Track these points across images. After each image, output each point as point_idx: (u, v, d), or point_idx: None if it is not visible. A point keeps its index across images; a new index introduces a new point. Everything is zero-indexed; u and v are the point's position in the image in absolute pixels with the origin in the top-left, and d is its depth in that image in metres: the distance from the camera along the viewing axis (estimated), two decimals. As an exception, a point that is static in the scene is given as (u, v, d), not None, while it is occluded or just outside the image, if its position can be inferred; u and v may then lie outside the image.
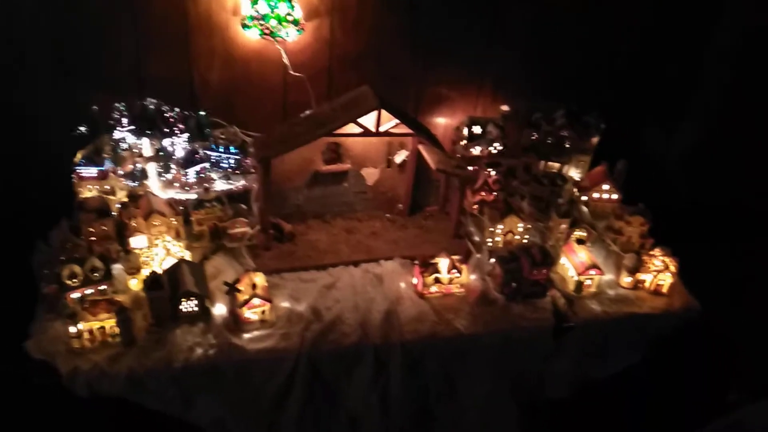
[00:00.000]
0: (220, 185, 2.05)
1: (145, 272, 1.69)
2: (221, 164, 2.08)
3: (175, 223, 1.83)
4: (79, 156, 1.88)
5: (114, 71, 2.04)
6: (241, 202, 2.02)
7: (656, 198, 2.17)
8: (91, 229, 1.71)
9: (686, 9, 2.38)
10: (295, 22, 2.04)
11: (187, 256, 1.77)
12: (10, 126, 2.01)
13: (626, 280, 1.96)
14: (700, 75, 2.53)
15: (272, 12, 2.00)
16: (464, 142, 2.31)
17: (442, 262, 1.81)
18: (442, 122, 2.49)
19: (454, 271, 1.82)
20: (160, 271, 1.64)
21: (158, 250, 1.72)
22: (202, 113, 2.10)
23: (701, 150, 2.59)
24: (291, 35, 2.06)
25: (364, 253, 1.96)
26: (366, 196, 2.12)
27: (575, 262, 1.91)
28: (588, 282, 1.90)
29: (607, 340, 1.90)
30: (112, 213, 1.77)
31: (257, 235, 1.92)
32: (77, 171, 1.84)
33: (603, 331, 1.88)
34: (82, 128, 1.88)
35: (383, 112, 1.82)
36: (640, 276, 1.96)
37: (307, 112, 2.21)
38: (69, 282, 1.56)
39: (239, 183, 2.07)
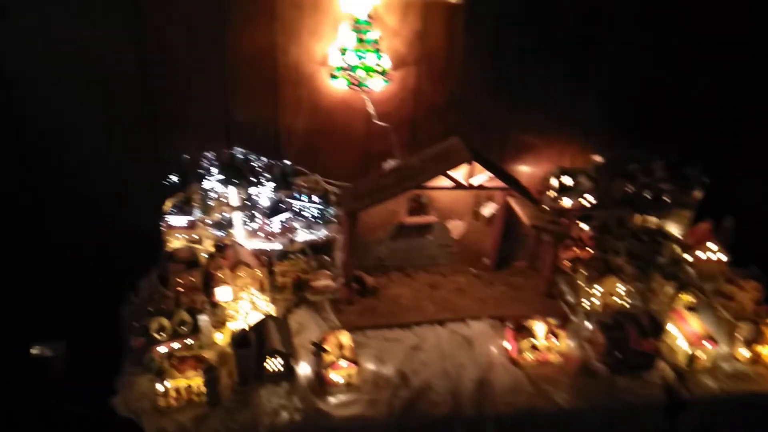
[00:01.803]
0: (301, 235, 2.01)
1: (230, 326, 1.65)
2: (303, 213, 2.05)
3: (260, 274, 1.80)
4: (168, 204, 1.90)
5: (202, 119, 2.07)
6: (322, 253, 1.97)
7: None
8: (179, 280, 1.70)
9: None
10: (383, 72, 2.02)
11: (272, 310, 1.72)
12: (99, 174, 2.06)
13: (743, 353, 1.76)
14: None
15: (360, 63, 1.99)
16: (553, 193, 2.19)
17: (538, 326, 1.68)
18: (526, 171, 2.39)
19: (552, 336, 1.68)
20: (246, 327, 1.60)
21: (244, 304, 1.68)
22: (287, 162, 2.09)
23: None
24: (377, 85, 2.04)
25: (450, 311, 1.85)
26: (451, 249, 2.03)
27: (686, 332, 1.73)
28: (701, 355, 1.72)
29: (724, 421, 1.69)
30: (200, 264, 1.76)
31: (340, 289, 1.86)
32: (166, 220, 1.85)
33: (720, 411, 1.68)
34: (173, 177, 1.90)
35: (475, 165, 1.74)
36: (758, 348, 1.75)
37: (391, 162, 2.17)
38: (157, 335, 1.53)
39: (321, 233, 2.03)
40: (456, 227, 2.00)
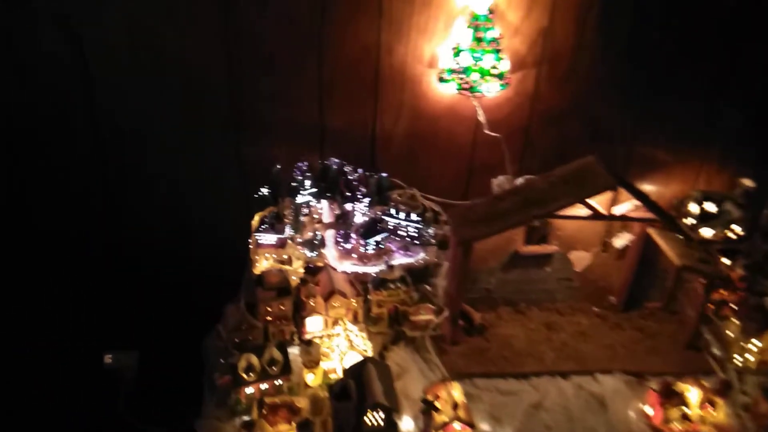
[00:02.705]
0: (397, 258, 1.78)
1: (324, 365, 1.45)
2: (399, 232, 1.82)
3: (355, 304, 1.59)
4: (256, 219, 1.72)
5: (295, 124, 1.88)
6: (420, 280, 1.74)
7: None
8: (268, 309, 1.50)
9: None
10: (500, 76, 1.76)
11: (369, 348, 1.51)
12: (180, 182, 1.91)
13: None
14: None
15: (475, 64, 1.73)
16: (691, 221, 1.86)
17: (692, 393, 1.38)
18: (653, 192, 2.06)
19: (708, 404, 1.38)
20: (342, 369, 1.39)
21: (340, 341, 1.48)
22: (384, 175, 1.86)
23: None
24: (492, 90, 1.78)
25: (573, 360, 1.58)
26: (571, 284, 1.75)
27: None
28: None
29: None
30: (291, 291, 1.56)
31: (443, 325, 1.62)
32: (255, 237, 1.67)
33: None
34: (263, 189, 1.71)
35: (621, 191, 1.46)
36: None
37: (501, 177, 1.91)
38: (245, 375, 1.35)
39: (419, 257, 1.80)
40: (580, 259, 1.72)
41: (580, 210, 1.50)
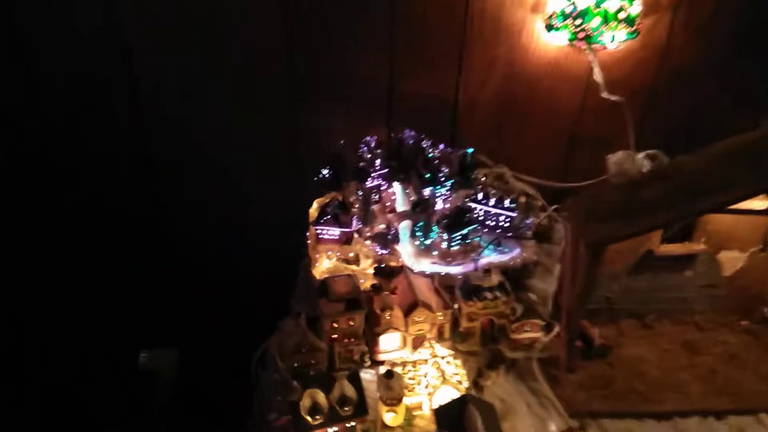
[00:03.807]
0: (486, 255, 1.43)
1: (407, 400, 1.13)
2: (486, 222, 1.46)
3: (441, 318, 1.25)
4: (315, 207, 1.38)
5: (361, 87, 1.52)
6: (516, 283, 1.38)
7: None
8: (335, 325, 1.18)
9: None
10: (630, 21, 1.35)
11: (463, 378, 1.17)
12: (226, 160, 1.59)
13: None
14: None
15: (597, 6, 1.33)
16: None
17: None
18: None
19: None
20: (427, 402, 1.06)
21: (428, 370, 1.14)
22: (469, 151, 1.49)
23: None
24: (617, 39, 1.37)
25: (727, 394, 1.21)
26: (716, 291, 1.36)
27: None
28: None
29: None
30: (362, 303, 1.23)
31: (555, 345, 1.27)
32: (315, 229, 1.33)
33: None
34: (324, 171, 1.37)
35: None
36: None
37: (620, 153, 1.50)
38: (309, 418, 1.03)
39: (514, 254, 1.43)
40: (731, 260, 1.33)
41: (753, 202, 1.11)
